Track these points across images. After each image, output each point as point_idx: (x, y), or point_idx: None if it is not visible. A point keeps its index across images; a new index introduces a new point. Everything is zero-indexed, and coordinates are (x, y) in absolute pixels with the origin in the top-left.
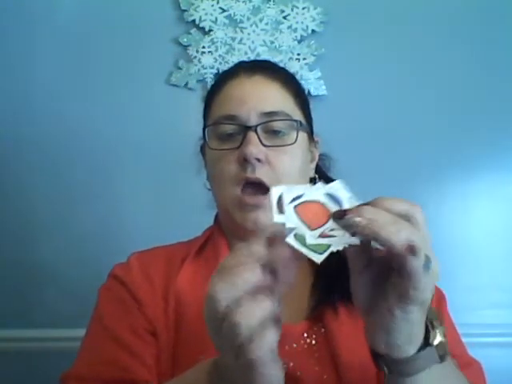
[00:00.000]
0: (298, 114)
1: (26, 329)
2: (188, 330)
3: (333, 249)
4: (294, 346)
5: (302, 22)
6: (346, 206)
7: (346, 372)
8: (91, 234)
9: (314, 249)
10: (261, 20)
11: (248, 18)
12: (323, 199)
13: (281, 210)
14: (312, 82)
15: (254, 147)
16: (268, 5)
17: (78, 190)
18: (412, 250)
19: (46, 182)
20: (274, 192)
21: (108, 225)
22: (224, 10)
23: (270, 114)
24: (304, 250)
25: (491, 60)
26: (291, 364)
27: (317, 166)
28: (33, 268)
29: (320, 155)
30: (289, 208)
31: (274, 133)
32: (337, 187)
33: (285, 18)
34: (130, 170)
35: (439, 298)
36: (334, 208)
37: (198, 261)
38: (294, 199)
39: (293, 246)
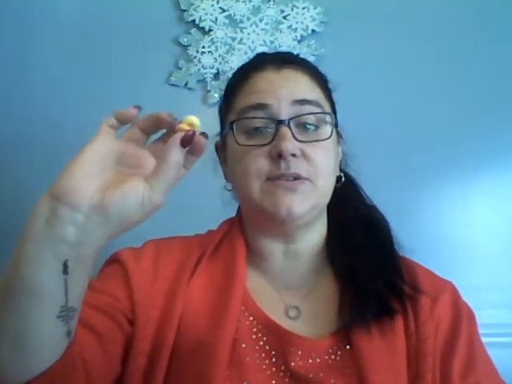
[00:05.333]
0: (328, 107)
1: None
2: (184, 358)
3: None
4: (318, 360)
5: (302, 22)
6: None
7: None
8: None
9: None
10: (261, 20)
11: (248, 18)
12: None
13: None
14: None
15: (290, 143)
16: (268, 5)
17: None
18: None
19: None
20: None
21: None
22: (224, 10)
23: (303, 102)
24: None
25: (491, 59)
26: (321, 374)
27: None
28: None
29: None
30: None
31: (306, 127)
32: None
33: (285, 17)
34: None
35: (469, 318)
36: None
37: (214, 262)
38: None
39: None
